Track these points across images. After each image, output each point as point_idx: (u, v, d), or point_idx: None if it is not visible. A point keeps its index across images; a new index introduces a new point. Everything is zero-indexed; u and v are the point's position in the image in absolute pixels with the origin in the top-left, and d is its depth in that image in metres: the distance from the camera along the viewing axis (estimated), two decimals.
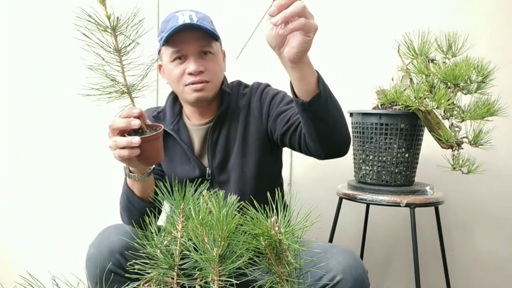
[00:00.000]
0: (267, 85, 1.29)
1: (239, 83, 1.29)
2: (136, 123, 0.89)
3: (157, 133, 0.91)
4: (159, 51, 1.19)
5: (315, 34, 0.84)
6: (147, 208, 1.00)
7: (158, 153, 0.94)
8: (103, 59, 0.83)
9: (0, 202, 1.98)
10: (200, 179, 1.12)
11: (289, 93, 1.24)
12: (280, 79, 1.73)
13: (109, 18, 0.81)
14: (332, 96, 0.99)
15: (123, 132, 0.91)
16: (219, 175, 1.22)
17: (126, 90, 0.88)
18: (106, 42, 0.83)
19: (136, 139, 0.87)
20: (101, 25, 0.81)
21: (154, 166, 1.07)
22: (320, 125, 0.99)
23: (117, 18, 0.82)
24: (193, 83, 1.15)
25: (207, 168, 1.22)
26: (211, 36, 1.15)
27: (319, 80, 0.93)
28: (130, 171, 1.02)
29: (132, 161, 0.93)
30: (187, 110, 1.26)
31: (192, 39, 1.13)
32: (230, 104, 1.23)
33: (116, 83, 0.86)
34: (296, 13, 0.79)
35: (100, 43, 0.82)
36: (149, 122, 0.95)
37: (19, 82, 1.94)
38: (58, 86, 1.90)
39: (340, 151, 1.09)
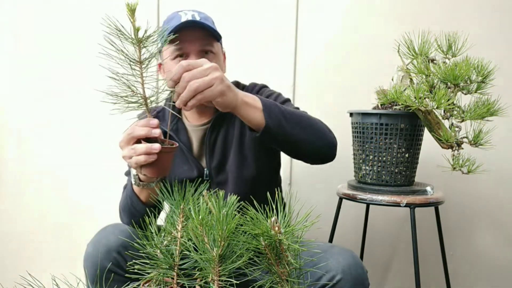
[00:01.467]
0: (263, 86, 1.29)
1: (237, 84, 1.29)
2: (156, 132, 0.89)
3: (175, 147, 0.92)
4: (160, 50, 1.19)
5: (223, 94, 0.91)
6: (147, 209, 1.01)
7: (167, 167, 0.94)
8: (131, 68, 0.83)
9: (1, 202, 1.98)
10: (198, 180, 1.12)
11: (284, 95, 1.26)
12: (279, 81, 1.74)
13: (138, 30, 0.81)
14: (288, 118, 1.01)
15: (139, 141, 0.90)
16: (217, 176, 1.22)
17: (144, 102, 0.87)
18: (128, 53, 0.82)
19: (156, 145, 0.87)
20: (129, 37, 0.80)
21: None
22: (286, 146, 1.06)
23: (145, 31, 0.81)
24: None
25: (205, 169, 1.22)
26: (213, 35, 1.15)
27: (264, 111, 0.98)
28: (140, 180, 1.02)
29: (144, 168, 0.92)
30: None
31: (194, 37, 1.13)
32: None
33: (135, 94, 0.85)
34: (188, 97, 0.87)
35: (123, 54, 0.81)
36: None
37: (19, 82, 1.94)
38: (58, 86, 1.90)
39: (323, 159, 1.13)
